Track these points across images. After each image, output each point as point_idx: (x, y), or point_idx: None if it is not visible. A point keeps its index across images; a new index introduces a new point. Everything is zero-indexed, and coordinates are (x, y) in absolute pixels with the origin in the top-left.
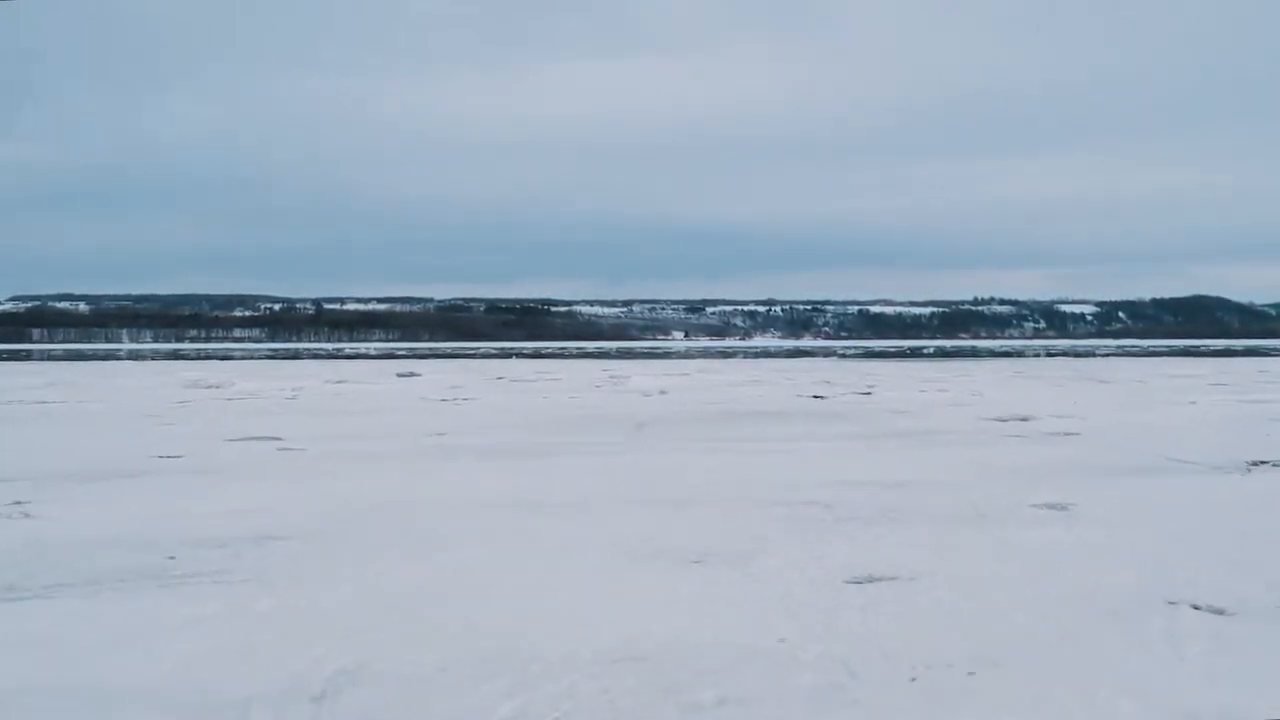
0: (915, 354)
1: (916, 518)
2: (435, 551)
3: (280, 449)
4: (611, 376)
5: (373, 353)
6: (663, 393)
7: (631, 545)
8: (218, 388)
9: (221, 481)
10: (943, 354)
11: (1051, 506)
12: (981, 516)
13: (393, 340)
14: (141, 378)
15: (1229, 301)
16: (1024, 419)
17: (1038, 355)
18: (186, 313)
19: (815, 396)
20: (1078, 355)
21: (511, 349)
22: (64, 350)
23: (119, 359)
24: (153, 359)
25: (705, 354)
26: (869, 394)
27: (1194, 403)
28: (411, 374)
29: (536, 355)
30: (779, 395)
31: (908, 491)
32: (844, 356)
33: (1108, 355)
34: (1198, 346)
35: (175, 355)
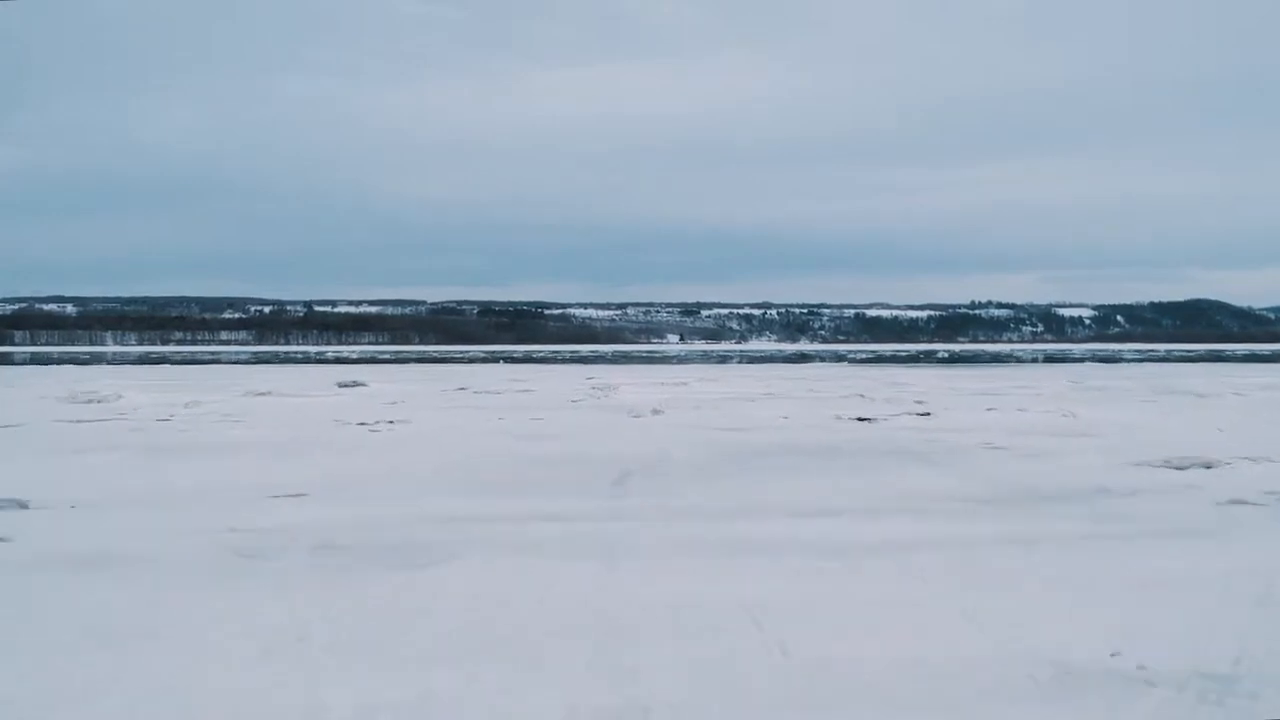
0: (929, 358)
1: None
2: None
3: None
4: (596, 387)
5: (354, 356)
6: (656, 411)
7: None
8: (99, 401)
9: None
10: (958, 359)
11: None
12: None
13: (381, 343)
14: (23, 388)
15: (1227, 305)
16: (1206, 465)
17: (1066, 360)
18: (172, 315)
19: (860, 419)
20: (1108, 360)
21: (500, 352)
22: None
23: (17, 364)
24: (71, 364)
25: (704, 359)
26: (927, 415)
27: None
28: (355, 384)
29: (524, 360)
30: (808, 415)
31: None
32: (853, 361)
33: (1137, 360)
34: (1221, 351)
35: (118, 359)
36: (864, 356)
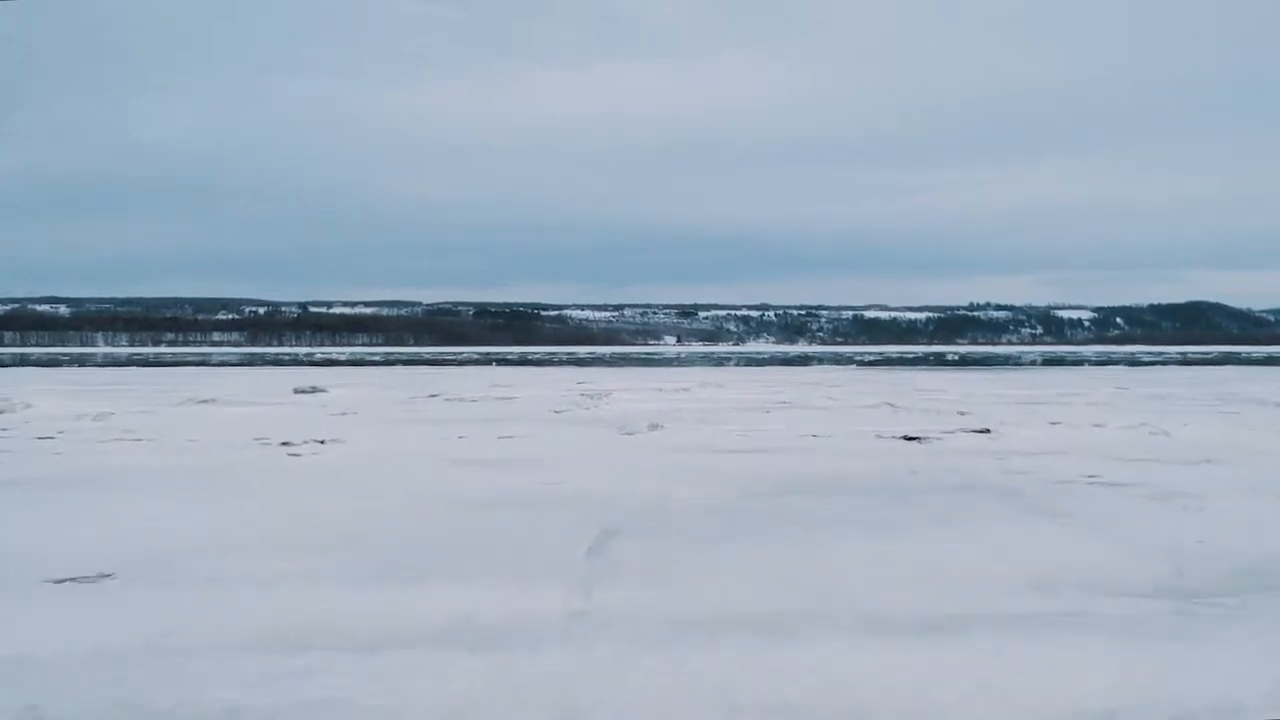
0: (939, 360)
1: None
2: None
3: None
4: (586, 394)
5: (343, 358)
6: (654, 427)
7: None
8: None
9: None
10: (969, 361)
11: None
12: None
13: (375, 344)
14: None
15: (1227, 307)
16: None
17: (1083, 363)
18: (165, 316)
19: (906, 437)
20: (1129, 363)
21: (493, 354)
22: None
23: None
24: (37, 366)
25: (704, 361)
26: (986, 433)
27: None
28: (314, 390)
29: (518, 362)
30: (839, 431)
31: None
32: (860, 363)
33: (1157, 363)
34: (1236, 353)
35: (90, 361)
36: (871, 359)
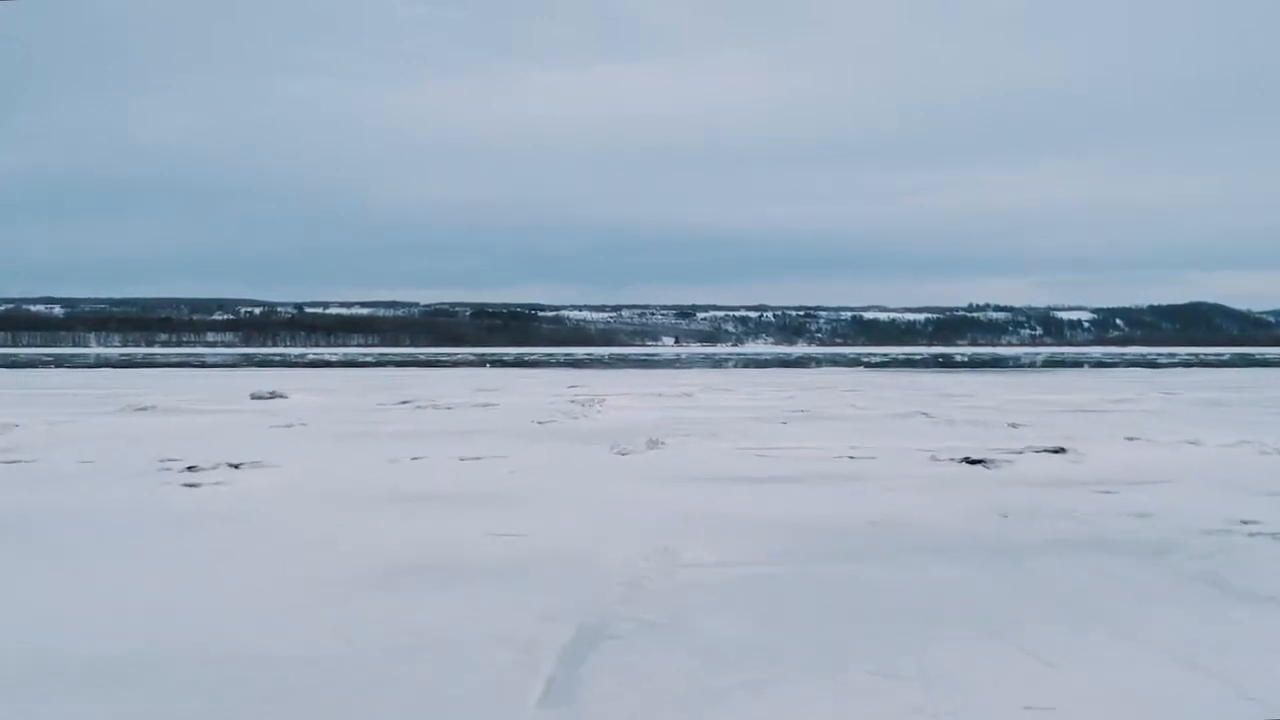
0: (950, 363)
1: None
2: None
3: None
4: (577, 399)
5: (334, 359)
6: (653, 444)
7: None
8: None
9: None
10: (981, 363)
11: None
12: None
13: (371, 345)
14: None
15: (1227, 308)
16: None
17: (1102, 365)
18: (158, 317)
19: (967, 460)
20: (1150, 366)
21: (488, 355)
22: None
23: None
24: (7, 368)
25: (705, 362)
26: (1062, 452)
27: None
28: (273, 395)
29: (513, 363)
30: (882, 451)
31: None
32: (869, 365)
33: (1175, 365)
34: (1250, 355)
35: (64, 362)
36: (878, 360)
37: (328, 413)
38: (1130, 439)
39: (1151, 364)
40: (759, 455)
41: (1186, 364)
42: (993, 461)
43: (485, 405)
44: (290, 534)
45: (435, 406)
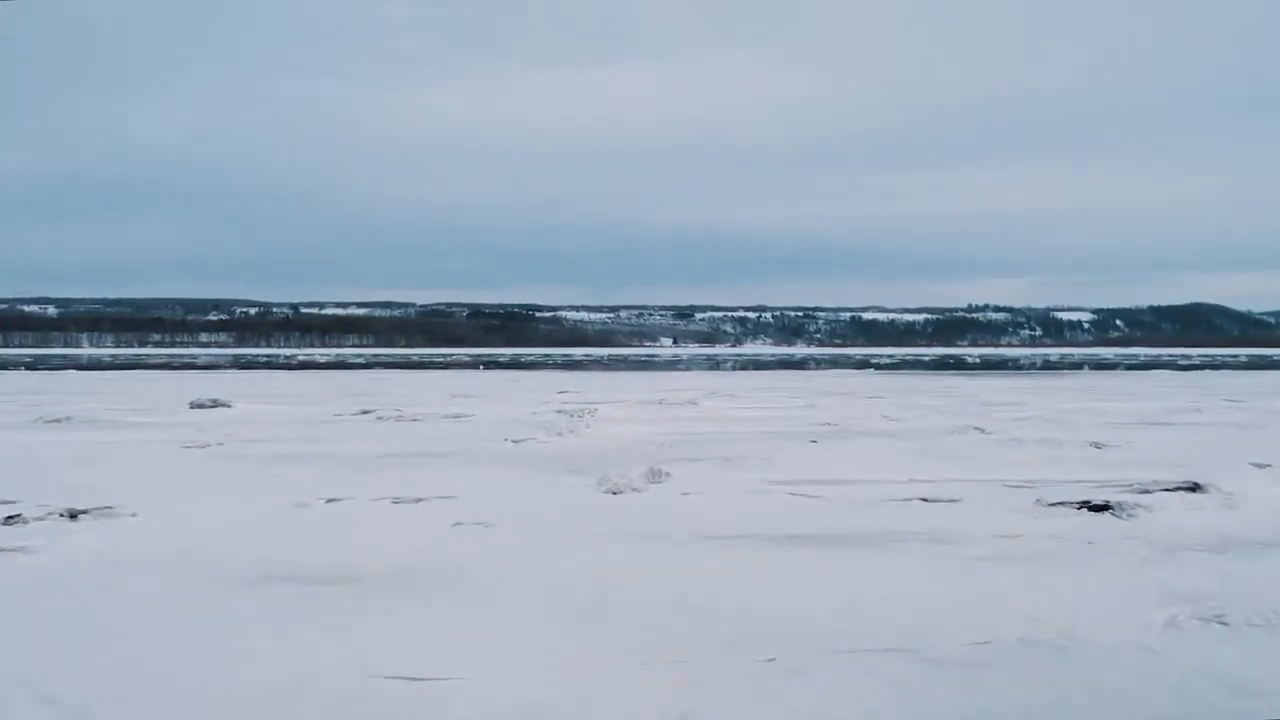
0: (961, 365)
1: None
2: None
3: None
4: (564, 410)
5: (322, 360)
6: (655, 478)
7: None
8: None
9: None
10: (993, 365)
11: None
12: None
13: (366, 345)
14: None
15: (1227, 309)
16: None
17: (1121, 367)
18: (151, 317)
19: (1092, 507)
20: (1174, 368)
21: (482, 357)
22: None
23: None
24: None
25: (706, 364)
26: (1197, 490)
27: None
28: (215, 403)
29: (506, 365)
30: (973, 496)
31: None
32: (879, 368)
33: (1211, 369)
34: (1268, 356)
35: (37, 364)
36: (888, 362)
37: (266, 427)
38: (1259, 466)
39: (1173, 365)
40: (796, 494)
41: (1213, 366)
42: (1121, 507)
43: (458, 416)
44: (32, 681)
45: (400, 418)
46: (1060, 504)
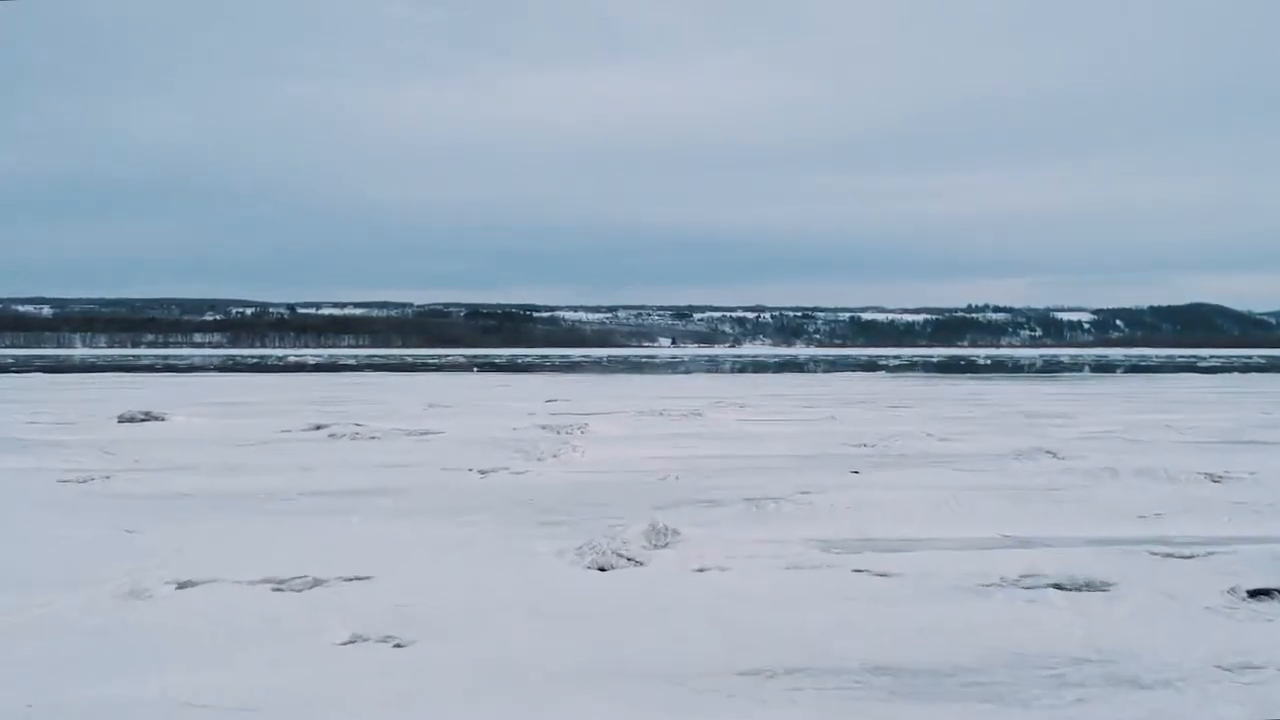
0: (973, 367)
1: None
2: None
3: None
4: (549, 426)
5: (312, 361)
6: (661, 536)
7: None
8: None
9: None
10: (1004, 367)
11: None
12: None
13: (362, 346)
14: None
15: (1227, 310)
16: None
17: (1133, 369)
18: (144, 317)
19: (1256, 593)
20: (1193, 370)
21: (478, 357)
22: None
23: None
24: None
25: (707, 366)
26: None
27: None
28: (146, 417)
29: (501, 367)
30: (1126, 571)
31: None
32: (889, 369)
33: (1240, 371)
34: (1275, 357)
35: (12, 366)
36: (897, 363)
37: (184, 449)
38: None
39: (1193, 367)
40: (860, 571)
41: (1232, 368)
42: None
43: (424, 434)
44: None
45: (356, 435)
46: (1234, 594)
